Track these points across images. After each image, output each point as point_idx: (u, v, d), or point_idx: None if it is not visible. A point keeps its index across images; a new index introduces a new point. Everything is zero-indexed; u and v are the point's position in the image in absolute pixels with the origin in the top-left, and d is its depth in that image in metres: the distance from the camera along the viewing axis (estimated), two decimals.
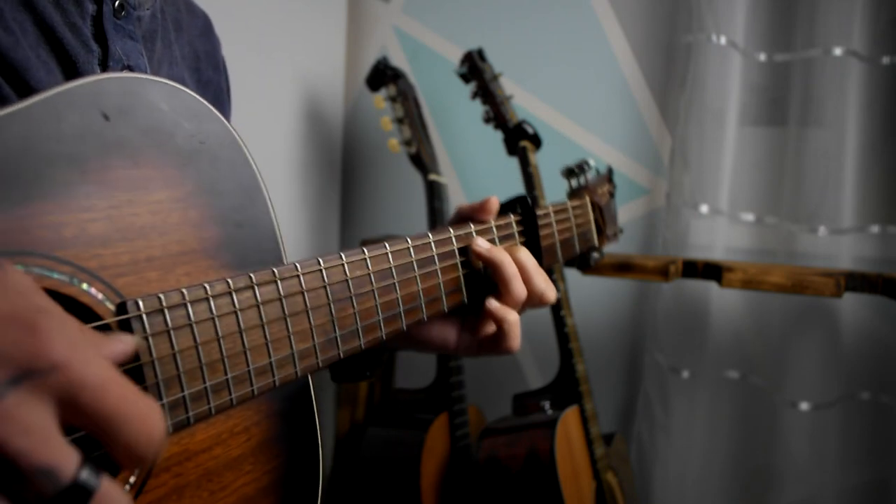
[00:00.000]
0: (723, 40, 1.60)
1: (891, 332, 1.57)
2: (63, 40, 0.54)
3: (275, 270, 0.51)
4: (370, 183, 2.02)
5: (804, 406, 1.61)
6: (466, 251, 0.69)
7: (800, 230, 1.61)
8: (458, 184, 1.94)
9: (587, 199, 0.89)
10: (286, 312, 0.51)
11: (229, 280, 0.48)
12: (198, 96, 0.51)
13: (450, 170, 1.93)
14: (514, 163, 1.54)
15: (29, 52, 0.52)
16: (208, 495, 0.49)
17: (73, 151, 0.43)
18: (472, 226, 0.70)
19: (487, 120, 1.56)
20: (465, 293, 0.69)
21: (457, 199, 1.93)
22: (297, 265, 0.53)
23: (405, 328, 0.62)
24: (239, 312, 0.48)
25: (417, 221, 1.91)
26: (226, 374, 0.47)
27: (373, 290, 0.59)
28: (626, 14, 1.78)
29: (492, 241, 0.71)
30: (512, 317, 0.67)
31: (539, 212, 0.77)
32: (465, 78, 1.59)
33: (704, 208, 1.65)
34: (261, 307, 0.49)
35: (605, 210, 0.91)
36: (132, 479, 0.44)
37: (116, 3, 0.59)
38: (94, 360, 0.34)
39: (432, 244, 0.65)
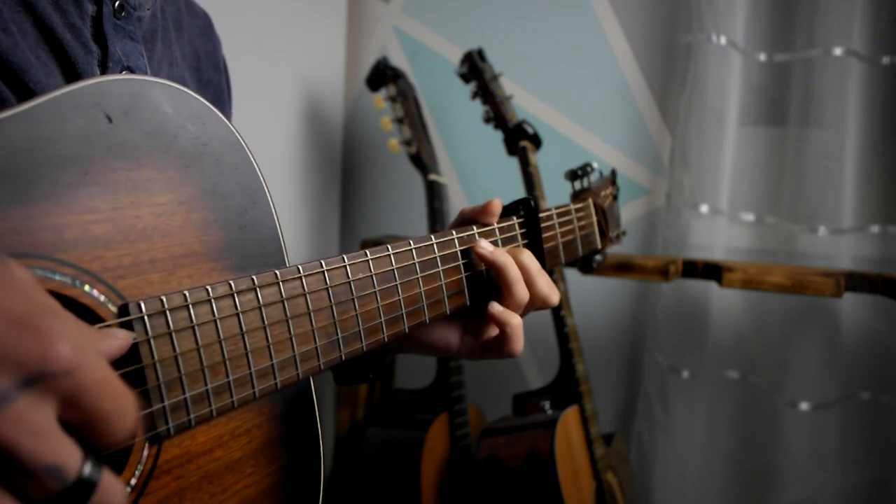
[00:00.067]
0: (723, 40, 1.60)
1: (891, 332, 1.57)
2: (63, 41, 0.54)
3: (277, 272, 0.51)
4: (370, 183, 2.02)
5: (804, 406, 1.61)
6: (469, 253, 0.68)
7: (800, 230, 1.61)
8: (458, 184, 1.93)
9: (590, 201, 0.89)
10: (288, 315, 0.51)
11: (231, 282, 0.48)
12: (201, 99, 0.51)
13: (450, 170, 1.93)
14: (514, 163, 1.54)
15: (28, 54, 0.52)
16: (209, 497, 0.48)
17: (76, 153, 0.43)
18: (475, 228, 0.70)
19: (487, 120, 1.56)
20: (467, 296, 0.68)
21: (457, 199, 1.93)
22: (300, 267, 0.52)
23: (407, 330, 0.62)
24: (241, 314, 0.48)
25: (417, 221, 1.91)
26: (227, 376, 0.47)
27: (375, 293, 0.59)
28: (626, 14, 1.78)
29: (494, 243, 0.71)
30: (514, 321, 0.67)
31: (542, 214, 0.77)
32: (465, 78, 1.59)
33: (704, 208, 1.65)
34: (263, 309, 0.49)
35: (608, 212, 0.91)
36: (133, 481, 0.44)
37: (116, 3, 0.58)
38: (97, 362, 0.34)
39: (435, 246, 0.65)
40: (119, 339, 0.39)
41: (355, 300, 0.57)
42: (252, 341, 0.49)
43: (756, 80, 1.67)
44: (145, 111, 0.47)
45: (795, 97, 1.60)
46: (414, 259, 0.63)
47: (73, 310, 0.39)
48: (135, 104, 0.47)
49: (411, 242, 0.63)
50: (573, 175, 0.93)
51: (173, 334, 0.44)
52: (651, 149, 1.78)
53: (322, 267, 0.54)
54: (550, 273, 0.74)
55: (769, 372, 1.66)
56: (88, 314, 0.42)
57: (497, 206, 0.71)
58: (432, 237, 0.65)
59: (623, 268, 1.44)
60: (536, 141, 1.53)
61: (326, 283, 0.54)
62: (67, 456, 0.33)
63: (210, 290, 0.46)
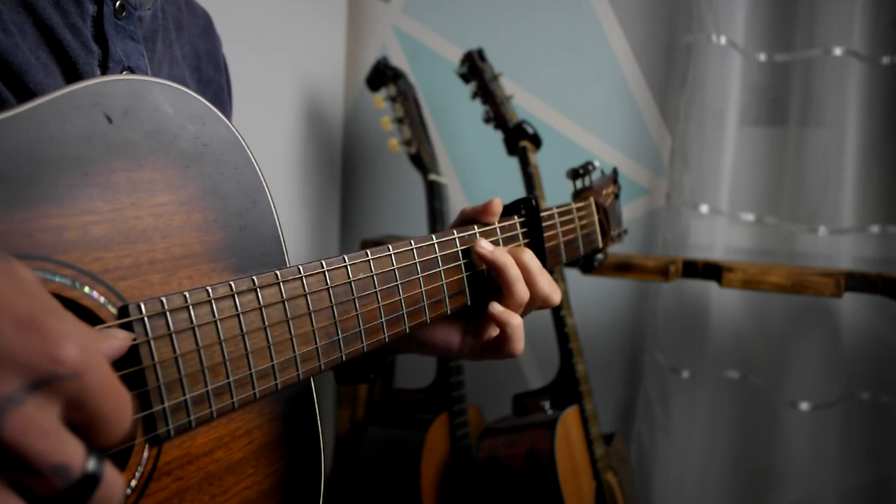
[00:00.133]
0: (723, 40, 1.60)
1: (891, 332, 1.57)
2: (63, 42, 0.54)
3: (277, 273, 0.50)
4: (370, 183, 2.02)
5: (804, 406, 1.61)
6: (470, 253, 0.68)
7: (800, 230, 1.61)
8: (458, 184, 1.93)
9: (591, 200, 0.89)
10: (289, 315, 0.51)
11: (232, 283, 0.47)
12: (202, 98, 0.51)
13: (450, 170, 1.93)
14: (514, 163, 1.54)
15: (28, 55, 0.51)
16: (209, 499, 0.48)
17: (76, 154, 0.42)
18: (475, 227, 0.70)
19: (487, 120, 1.56)
20: (468, 295, 0.68)
21: (457, 198, 1.93)
22: (300, 267, 0.52)
23: (408, 330, 0.62)
24: (241, 315, 0.48)
25: (417, 221, 1.90)
26: (228, 377, 0.47)
27: (376, 293, 0.59)
28: (626, 14, 1.78)
29: (495, 242, 0.71)
30: (514, 321, 0.67)
31: (543, 213, 0.77)
32: (465, 78, 1.58)
33: (704, 208, 1.64)
34: (263, 310, 0.49)
35: (609, 211, 0.91)
36: (133, 483, 0.44)
37: (117, 3, 0.58)
38: (100, 364, 0.35)
39: (436, 246, 0.65)
40: (119, 340, 0.39)
41: (356, 300, 0.57)
42: (252, 342, 0.48)
43: (756, 80, 1.67)
44: (145, 111, 0.47)
45: (795, 97, 1.60)
46: (415, 259, 0.63)
47: (72, 311, 0.39)
48: (135, 104, 0.46)
49: (412, 242, 0.63)
50: (575, 173, 0.92)
51: (173, 335, 0.44)
52: (651, 149, 1.78)
53: (323, 267, 0.54)
54: (551, 272, 0.74)
55: (769, 372, 1.65)
56: (88, 316, 0.41)
57: (498, 206, 0.71)
58: (433, 237, 0.65)
59: (623, 268, 1.44)
60: (536, 141, 1.53)
61: (327, 284, 0.54)
62: (73, 454, 0.33)
63: (210, 290, 0.46)
